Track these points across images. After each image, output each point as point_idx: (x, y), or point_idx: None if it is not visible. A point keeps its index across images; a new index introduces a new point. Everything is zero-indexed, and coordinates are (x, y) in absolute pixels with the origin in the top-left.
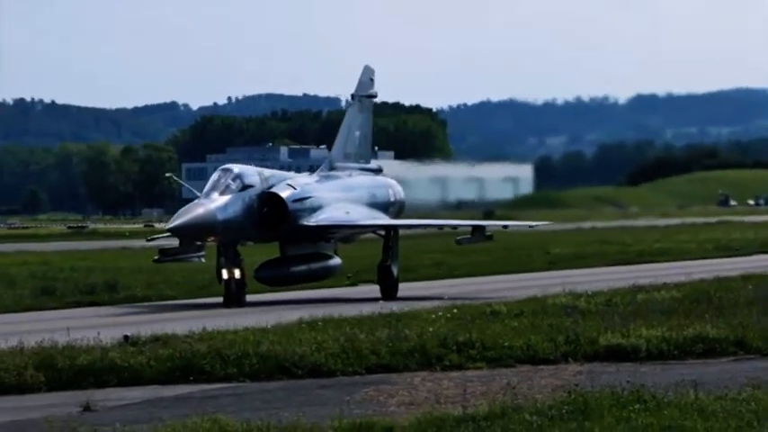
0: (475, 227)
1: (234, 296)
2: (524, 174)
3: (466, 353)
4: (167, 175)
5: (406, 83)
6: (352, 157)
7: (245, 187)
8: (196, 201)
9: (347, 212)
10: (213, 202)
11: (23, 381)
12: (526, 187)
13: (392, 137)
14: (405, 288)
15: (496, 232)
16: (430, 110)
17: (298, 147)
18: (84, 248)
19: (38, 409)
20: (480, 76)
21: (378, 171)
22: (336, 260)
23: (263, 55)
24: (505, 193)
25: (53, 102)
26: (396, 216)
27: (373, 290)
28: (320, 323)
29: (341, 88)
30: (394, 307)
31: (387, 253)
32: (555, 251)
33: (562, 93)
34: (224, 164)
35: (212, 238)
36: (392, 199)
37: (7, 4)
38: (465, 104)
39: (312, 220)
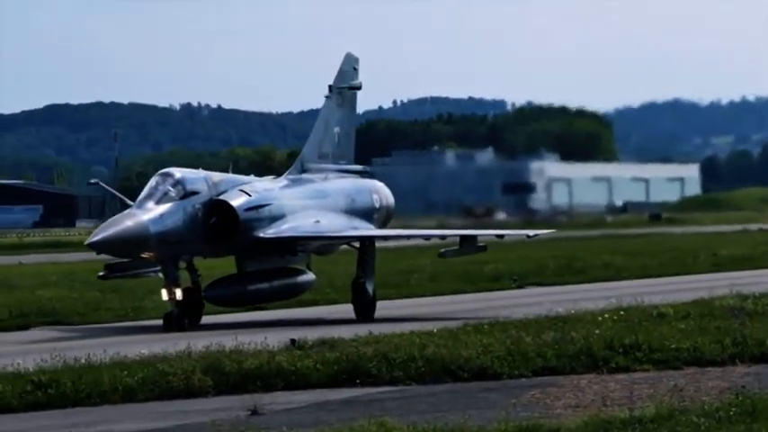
0: (464, 237)
1: (175, 319)
2: (690, 174)
3: (632, 355)
4: (92, 181)
5: (571, 85)
6: (330, 158)
7: (187, 194)
8: (127, 211)
9: (316, 221)
10: (146, 213)
11: (191, 385)
12: (693, 188)
13: (558, 139)
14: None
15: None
16: (595, 112)
17: (463, 151)
18: None
19: (205, 413)
20: (644, 77)
21: (362, 173)
22: (308, 276)
23: (427, 58)
24: (672, 194)
25: (219, 106)
26: (383, 224)
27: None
28: (486, 326)
29: (507, 91)
30: (561, 310)
31: (361, 267)
32: (722, 253)
33: (727, 92)
34: (389, 168)
35: (147, 254)
36: (377, 205)
37: (175, 11)
38: (630, 106)
39: (270, 232)
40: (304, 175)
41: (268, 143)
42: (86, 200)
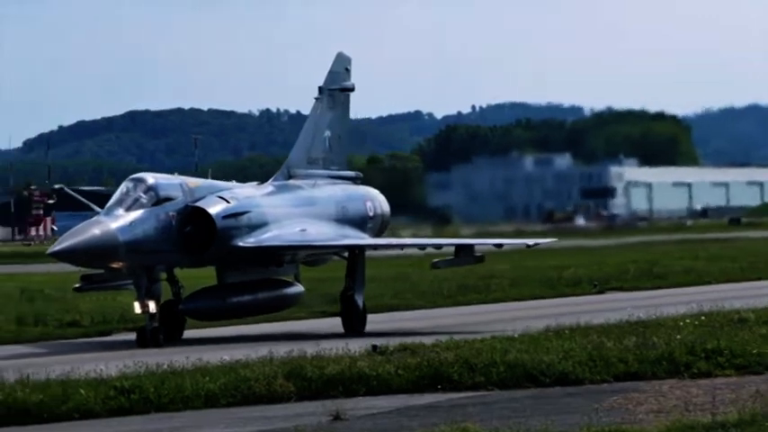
0: (459, 246)
1: (150, 334)
2: None
3: (714, 360)
4: (56, 186)
5: (650, 89)
6: (321, 163)
7: (160, 201)
8: (94, 218)
9: (302, 230)
10: (114, 220)
11: (273, 390)
12: None
13: (637, 144)
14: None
15: None
16: (674, 116)
17: (542, 155)
18: None
19: (287, 419)
20: (724, 81)
21: (355, 179)
22: (296, 288)
23: (506, 63)
24: (752, 198)
25: (298, 112)
26: (378, 233)
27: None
28: (567, 331)
29: (585, 96)
30: (642, 315)
31: (350, 279)
32: None
33: None
34: (469, 173)
35: (116, 265)
36: (371, 213)
37: (255, 18)
38: (709, 110)
39: (250, 241)
40: (291, 182)
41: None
42: None
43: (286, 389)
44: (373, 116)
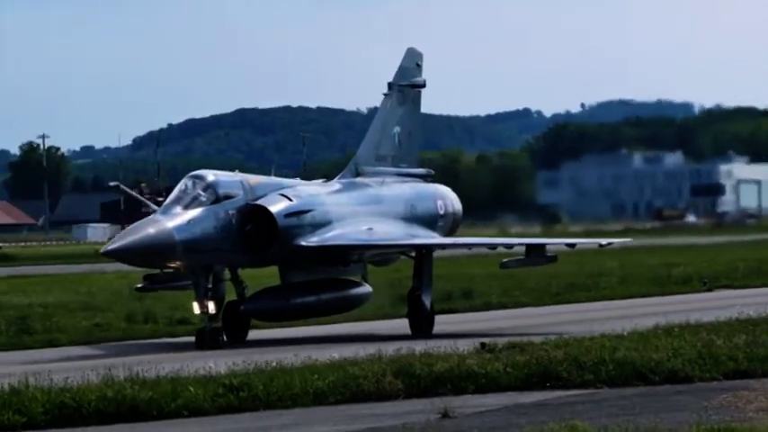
0: (530, 246)
1: (209, 335)
2: None
3: None
4: (112, 183)
5: (760, 86)
6: (390, 160)
7: (219, 199)
8: (151, 216)
9: (369, 229)
10: (171, 219)
11: (382, 388)
12: None
13: (747, 141)
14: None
15: None
16: None
17: (651, 153)
18: (440, 255)
19: (396, 416)
20: None
21: (426, 176)
22: (363, 288)
23: (614, 62)
24: None
25: None
26: (449, 232)
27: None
28: (676, 329)
29: (695, 94)
30: (751, 313)
31: (418, 279)
32: None
33: None
34: (577, 171)
35: (174, 264)
36: (441, 211)
37: (362, 17)
38: None
39: (313, 240)
40: (358, 179)
41: (455, 146)
42: None
43: (394, 386)
44: (482, 114)
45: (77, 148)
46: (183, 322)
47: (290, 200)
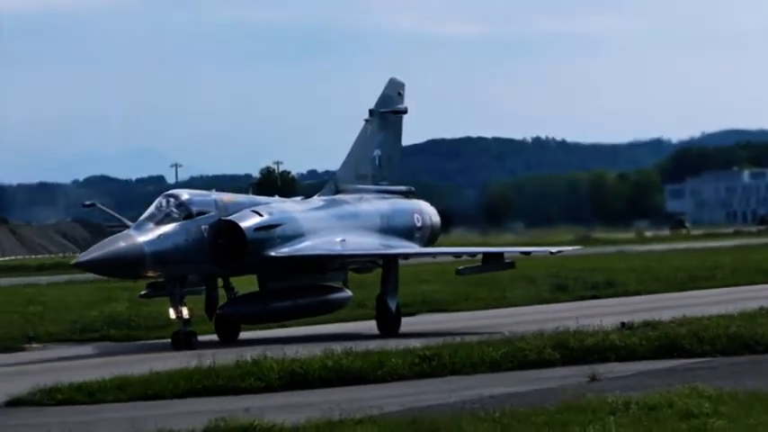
0: (487, 254)
1: (183, 338)
2: None
3: None
4: (88, 203)
5: None
6: (370, 179)
7: (192, 215)
8: (124, 231)
9: (342, 240)
10: (143, 234)
11: (543, 358)
12: None
13: None
14: None
15: None
16: None
17: (757, 170)
18: (589, 253)
19: (554, 380)
20: None
21: (407, 193)
22: (343, 293)
23: (726, 92)
24: None
25: (564, 140)
26: (427, 242)
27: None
28: None
29: None
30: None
31: (384, 284)
32: None
33: None
34: (698, 185)
35: (149, 274)
36: (419, 224)
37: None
38: None
39: (284, 251)
40: (337, 196)
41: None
42: (462, 213)
43: (553, 357)
44: (620, 141)
45: (304, 172)
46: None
47: (261, 215)
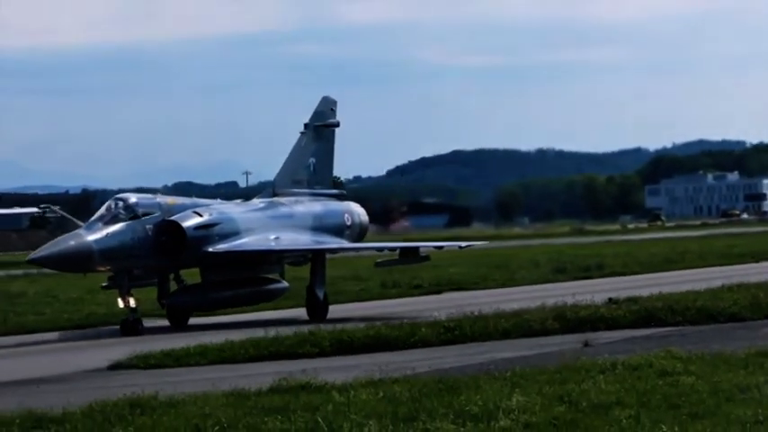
0: (404, 248)
1: (130, 325)
2: None
3: None
4: (43, 206)
5: None
6: (305, 184)
7: (138, 216)
8: (75, 231)
9: (276, 238)
10: (91, 233)
11: (545, 327)
12: None
13: None
14: None
15: None
16: None
17: (719, 173)
18: (583, 242)
19: (555, 345)
20: None
21: (339, 195)
22: (280, 284)
23: (693, 106)
24: None
25: (561, 150)
26: (355, 239)
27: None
28: (735, 287)
29: (747, 133)
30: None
31: (312, 276)
32: None
33: None
34: (671, 185)
35: (98, 268)
36: (348, 223)
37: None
38: None
39: (220, 247)
40: (275, 199)
41: (592, 172)
42: (479, 210)
43: (553, 326)
44: (608, 150)
45: (351, 177)
46: (417, 287)
47: (201, 216)
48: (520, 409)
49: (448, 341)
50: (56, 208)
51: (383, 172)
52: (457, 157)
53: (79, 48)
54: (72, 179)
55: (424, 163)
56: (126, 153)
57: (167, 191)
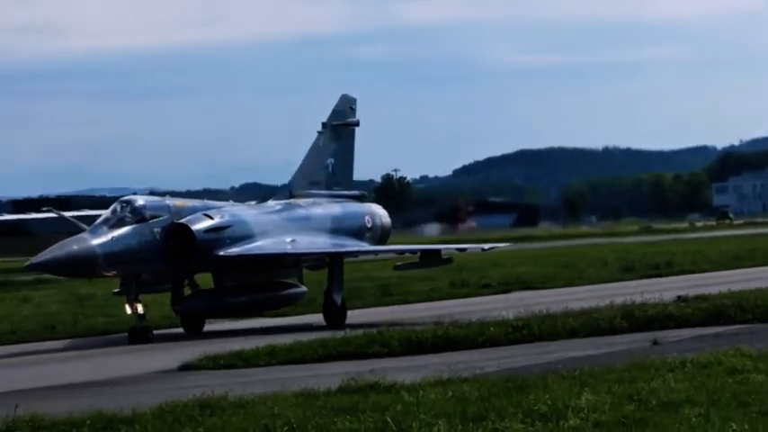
0: (425, 251)
1: (138, 332)
2: None
3: None
4: (45, 209)
5: None
6: (323, 185)
7: (145, 219)
8: (78, 235)
9: (292, 241)
10: (95, 237)
11: (613, 326)
12: None
13: None
14: None
15: None
16: None
17: None
18: (651, 240)
19: (623, 344)
20: None
21: (360, 197)
22: (297, 289)
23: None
24: None
25: (628, 148)
26: (378, 241)
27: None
28: None
29: None
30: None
31: (329, 280)
32: None
33: None
34: (739, 182)
35: (103, 273)
36: (369, 225)
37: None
38: None
39: (234, 251)
40: (291, 201)
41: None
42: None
43: (621, 325)
44: (674, 148)
45: (417, 177)
46: (485, 287)
47: (212, 218)
48: (589, 407)
49: (516, 340)
50: (55, 210)
51: (450, 172)
52: (523, 157)
53: (145, 49)
54: (140, 181)
55: (490, 162)
56: (192, 154)
57: (234, 192)
